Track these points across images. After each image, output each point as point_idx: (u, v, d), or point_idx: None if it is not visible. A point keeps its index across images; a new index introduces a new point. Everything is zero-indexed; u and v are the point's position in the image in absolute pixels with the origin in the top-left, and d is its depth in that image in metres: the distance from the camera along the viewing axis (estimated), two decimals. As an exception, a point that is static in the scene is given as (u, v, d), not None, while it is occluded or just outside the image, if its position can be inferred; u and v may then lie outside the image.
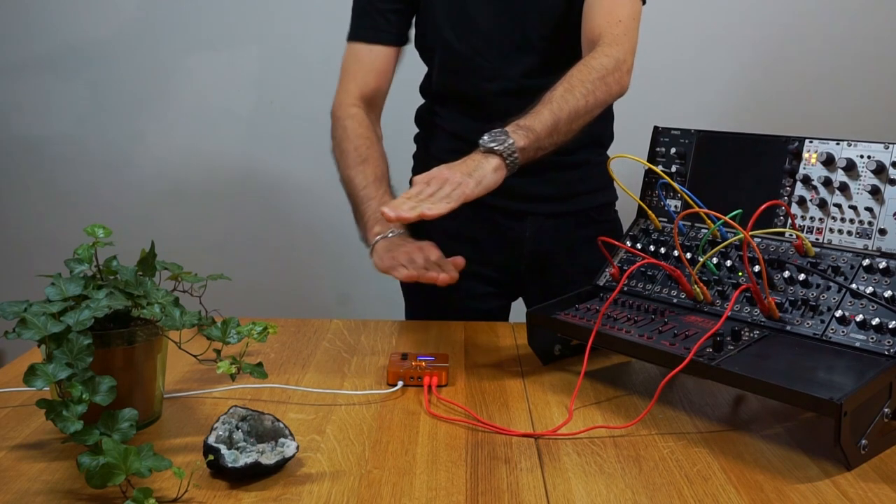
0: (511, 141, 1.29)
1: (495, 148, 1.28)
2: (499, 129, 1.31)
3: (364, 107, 1.60)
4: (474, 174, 1.26)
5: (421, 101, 1.74)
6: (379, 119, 1.64)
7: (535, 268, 1.68)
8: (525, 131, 1.32)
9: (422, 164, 1.71)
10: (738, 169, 1.30)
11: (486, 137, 1.31)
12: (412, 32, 1.66)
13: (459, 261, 1.42)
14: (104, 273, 1.10)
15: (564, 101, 1.35)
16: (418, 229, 1.52)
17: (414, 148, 1.77)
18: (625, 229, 1.43)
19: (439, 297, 1.69)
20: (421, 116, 1.74)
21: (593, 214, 1.69)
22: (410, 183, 1.33)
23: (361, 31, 1.61)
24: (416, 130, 1.76)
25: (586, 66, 1.40)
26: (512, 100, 1.54)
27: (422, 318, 1.69)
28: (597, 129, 1.67)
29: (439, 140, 1.68)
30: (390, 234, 1.47)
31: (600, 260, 1.40)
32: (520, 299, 1.77)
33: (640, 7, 1.51)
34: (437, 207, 1.20)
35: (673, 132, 1.39)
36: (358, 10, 1.62)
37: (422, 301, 1.74)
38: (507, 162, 1.29)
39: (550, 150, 1.37)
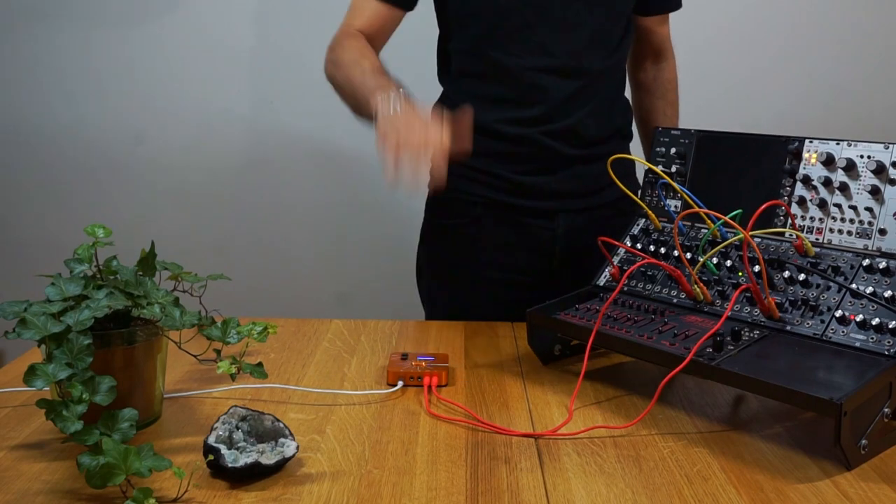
0: None
1: None
2: None
3: (364, 37, 1.55)
4: None
5: (431, 98, 1.67)
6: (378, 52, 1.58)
7: (566, 266, 1.65)
8: None
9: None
10: (738, 169, 1.30)
11: None
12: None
13: (466, 119, 1.29)
14: (104, 273, 1.10)
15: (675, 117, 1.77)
16: (437, 229, 1.49)
17: None
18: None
19: (463, 306, 1.66)
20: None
21: (621, 205, 1.66)
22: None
23: None
24: None
25: (674, 85, 1.81)
26: (552, 79, 1.53)
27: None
28: (619, 122, 1.67)
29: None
30: (393, 99, 1.31)
31: None
32: None
33: None
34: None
35: (673, 132, 1.39)
36: None
37: (444, 311, 1.70)
38: None
39: None
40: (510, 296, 1.65)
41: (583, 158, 1.59)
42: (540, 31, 1.52)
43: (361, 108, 1.41)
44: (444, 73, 1.67)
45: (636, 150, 1.70)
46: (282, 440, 0.99)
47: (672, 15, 1.75)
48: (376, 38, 1.58)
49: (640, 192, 1.42)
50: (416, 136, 1.22)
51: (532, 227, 1.63)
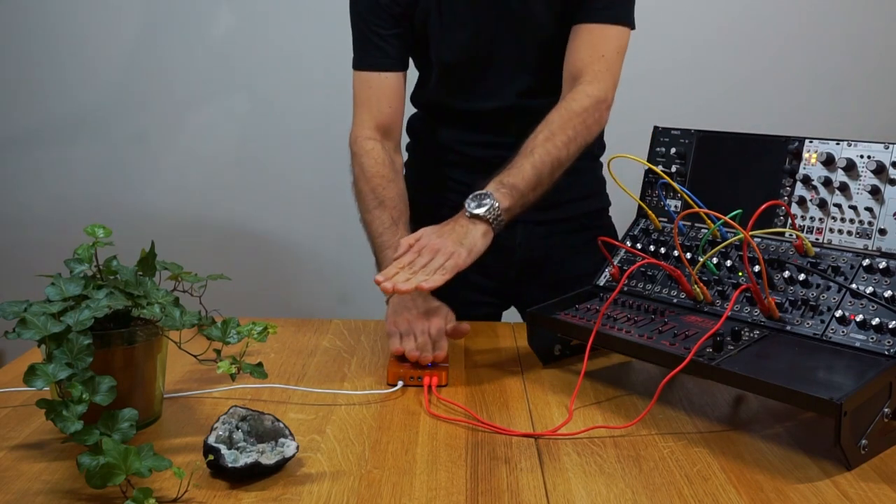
0: (497, 204, 1.30)
1: (482, 214, 1.29)
2: (482, 192, 1.32)
3: (380, 137, 1.56)
4: (465, 243, 1.28)
5: (413, 109, 1.72)
6: (398, 146, 1.60)
7: (526, 274, 1.67)
8: (509, 190, 1.32)
9: (419, 176, 1.70)
10: (738, 169, 1.30)
11: (470, 202, 1.31)
12: None
13: (464, 328, 1.38)
14: (104, 273, 1.10)
15: (546, 151, 1.38)
16: None
17: (405, 156, 1.73)
18: (623, 231, 1.43)
19: None
20: (413, 126, 1.73)
21: (585, 221, 1.68)
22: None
23: (368, 59, 1.56)
24: (408, 140, 1.74)
25: (567, 111, 1.42)
26: (508, 117, 1.56)
27: None
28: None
29: (438, 153, 1.67)
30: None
31: (593, 266, 1.41)
32: (512, 308, 1.76)
33: (626, 37, 1.50)
34: (433, 280, 1.22)
35: (673, 132, 1.39)
36: (360, 37, 1.57)
37: None
38: (494, 226, 1.31)
39: (535, 201, 1.39)
40: (475, 298, 1.67)
41: None
42: (487, 79, 1.56)
43: (377, 266, 1.49)
44: (417, 99, 1.71)
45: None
46: (282, 440, 0.99)
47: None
48: (393, 119, 1.58)
49: (639, 193, 1.42)
50: (420, 328, 1.34)
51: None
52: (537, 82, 1.56)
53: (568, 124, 1.40)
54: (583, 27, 1.48)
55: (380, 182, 1.52)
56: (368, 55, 1.56)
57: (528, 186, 1.35)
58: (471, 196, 1.32)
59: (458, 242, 1.27)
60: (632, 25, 1.51)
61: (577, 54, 1.48)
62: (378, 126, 1.56)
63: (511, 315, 1.74)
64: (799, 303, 1.14)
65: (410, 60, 1.64)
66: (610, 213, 1.74)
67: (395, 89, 1.57)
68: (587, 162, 1.66)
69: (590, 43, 1.47)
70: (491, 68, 1.56)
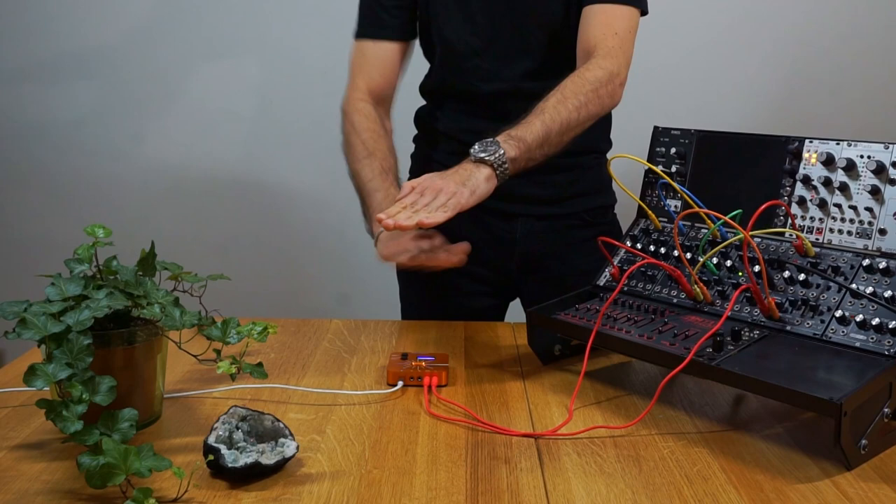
0: (501, 151, 1.30)
1: (486, 158, 1.29)
2: (490, 139, 1.32)
3: (372, 102, 1.61)
4: (468, 184, 1.27)
5: (421, 101, 1.74)
6: (388, 113, 1.65)
7: (526, 268, 1.68)
8: (516, 142, 1.32)
9: (420, 165, 1.71)
10: (738, 169, 1.30)
11: (476, 147, 1.31)
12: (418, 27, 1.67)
13: (465, 245, 1.42)
14: (104, 273, 1.10)
15: (557, 112, 1.37)
16: None
17: (412, 147, 1.77)
18: (624, 230, 1.43)
19: (433, 296, 1.69)
20: (420, 118, 1.74)
21: (587, 217, 1.68)
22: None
23: (366, 27, 1.62)
24: (415, 131, 1.76)
25: (580, 78, 1.42)
26: (509, 101, 1.55)
27: (415, 317, 1.69)
28: (594, 137, 1.66)
29: (438, 142, 1.68)
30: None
31: (595, 262, 1.41)
32: (517, 300, 1.77)
33: (637, 19, 1.52)
34: (434, 216, 1.21)
35: (673, 132, 1.39)
36: (363, 7, 1.64)
37: (416, 300, 1.74)
38: (498, 172, 1.30)
39: (541, 160, 1.39)
40: (477, 289, 1.67)
41: (547, 167, 1.58)
42: (487, 59, 1.57)
43: (365, 214, 1.54)
44: (423, 89, 1.73)
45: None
46: (282, 440, 0.99)
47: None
48: (386, 88, 1.63)
49: (639, 193, 1.42)
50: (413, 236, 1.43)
51: (493, 226, 1.65)
52: (540, 65, 1.56)
53: (580, 90, 1.40)
54: (594, 7, 1.50)
55: (370, 136, 1.56)
56: (368, 24, 1.62)
57: (536, 142, 1.35)
58: (477, 143, 1.32)
59: (461, 183, 1.27)
60: (643, 9, 1.53)
61: (590, 32, 1.49)
62: (370, 91, 1.61)
63: (515, 308, 1.74)
64: (799, 303, 1.14)
65: (418, 49, 1.66)
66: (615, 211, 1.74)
67: (389, 59, 1.62)
68: (592, 158, 1.67)
69: (602, 22, 1.49)
70: (492, 48, 1.56)
